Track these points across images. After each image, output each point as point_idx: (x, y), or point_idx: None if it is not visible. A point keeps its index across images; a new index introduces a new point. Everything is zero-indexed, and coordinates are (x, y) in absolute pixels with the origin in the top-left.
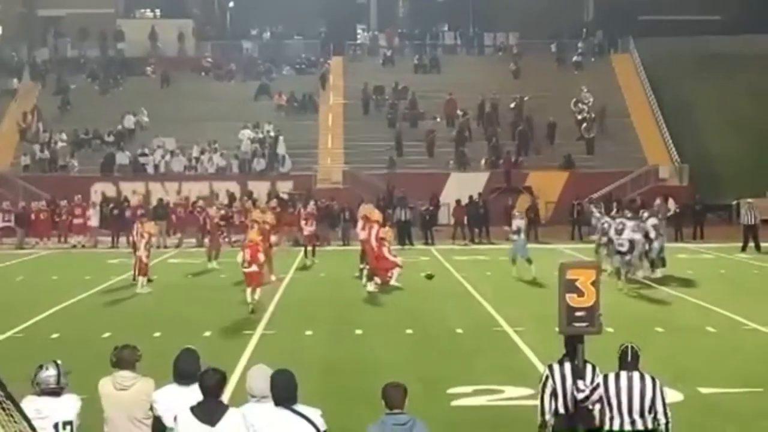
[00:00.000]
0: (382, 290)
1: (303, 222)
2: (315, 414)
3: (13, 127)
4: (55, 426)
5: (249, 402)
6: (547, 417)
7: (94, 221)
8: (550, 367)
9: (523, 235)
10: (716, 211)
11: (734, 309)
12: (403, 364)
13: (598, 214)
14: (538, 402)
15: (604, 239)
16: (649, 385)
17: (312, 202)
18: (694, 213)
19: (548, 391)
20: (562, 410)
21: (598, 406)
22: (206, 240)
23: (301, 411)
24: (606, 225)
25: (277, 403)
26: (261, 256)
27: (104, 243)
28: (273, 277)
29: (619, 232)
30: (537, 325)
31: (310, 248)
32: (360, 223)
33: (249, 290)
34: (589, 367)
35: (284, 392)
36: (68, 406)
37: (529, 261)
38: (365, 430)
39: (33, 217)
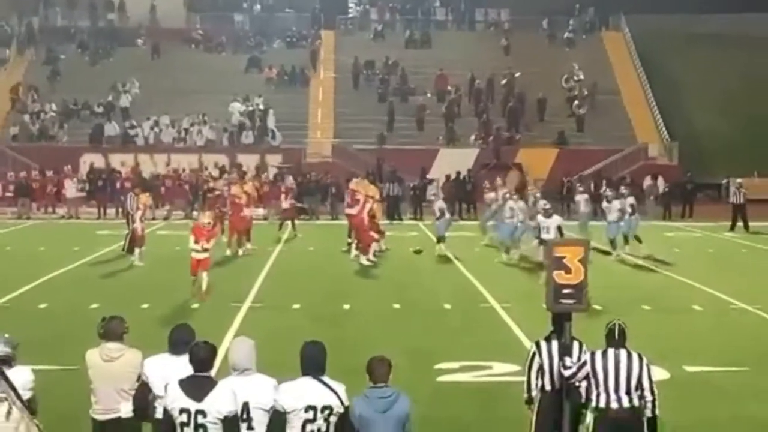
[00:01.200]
0: (371, 265)
1: (282, 196)
2: (340, 388)
3: (2, 96)
4: None
5: (231, 375)
6: (534, 393)
7: (70, 192)
8: (537, 344)
9: (447, 215)
10: (705, 190)
11: (722, 288)
12: (389, 338)
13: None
14: (524, 378)
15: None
16: (636, 362)
17: (290, 177)
18: (683, 192)
19: (535, 367)
20: (548, 387)
21: (584, 384)
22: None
23: (328, 383)
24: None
25: (305, 373)
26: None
27: (90, 214)
28: (242, 249)
29: (548, 216)
30: (524, 301)
31: (288, 222)
32: (348, 198)
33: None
34: (575, 345)
35: (314, 363)
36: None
37: (442, 239)
38: (349, 403)
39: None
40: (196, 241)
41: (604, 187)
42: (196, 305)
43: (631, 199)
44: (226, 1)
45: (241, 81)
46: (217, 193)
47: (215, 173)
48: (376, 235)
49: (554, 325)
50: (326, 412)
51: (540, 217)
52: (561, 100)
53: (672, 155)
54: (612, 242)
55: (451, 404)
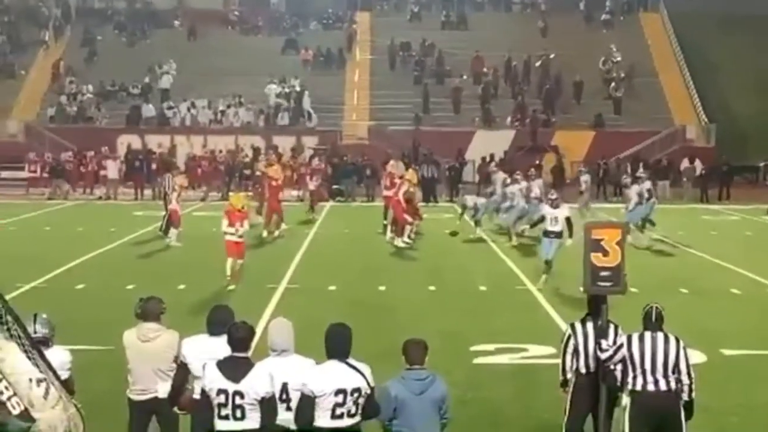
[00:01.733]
0: (406, 247)
1: (308, 177)
2: (367, 370)
3: (40, 78)
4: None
5: (270, 356)
6: (569, 376)
7: (112, 173)
8: (573, 326)
9: (481, 203)
10: (743, 173)
11: (759, 271)
12: (425, 320)
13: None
14: (559, 360)
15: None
16: (673, 345)
17: (317, 158)
18: (720, 174)
19: (570, 349)
20: (583, 369)
21: (620, 366)
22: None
23: (355, 365)
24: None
25: (332, 356)
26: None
27: (126, 195)
28: (278, 231)
29: (556, 206)
30: (560, 284)
31: (315, 203)
32: (386, 180)
33: (231, 260)
34: (611, 327)
35: (341, 345)
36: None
37: (479, 222)
38: (385, 385)
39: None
40: (230, 224)
41: (627, 174)
42: (232, 287)
43: (647, 184)
44: None
45: (277, 63)
46: (258, 173)
47: (250, 155)
48: (410, 218)
49: (590, 308)
50: (355, 394)
51: (546, 208)
52: (598, 82)
53: (709, 137)
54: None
55: (487, 386)
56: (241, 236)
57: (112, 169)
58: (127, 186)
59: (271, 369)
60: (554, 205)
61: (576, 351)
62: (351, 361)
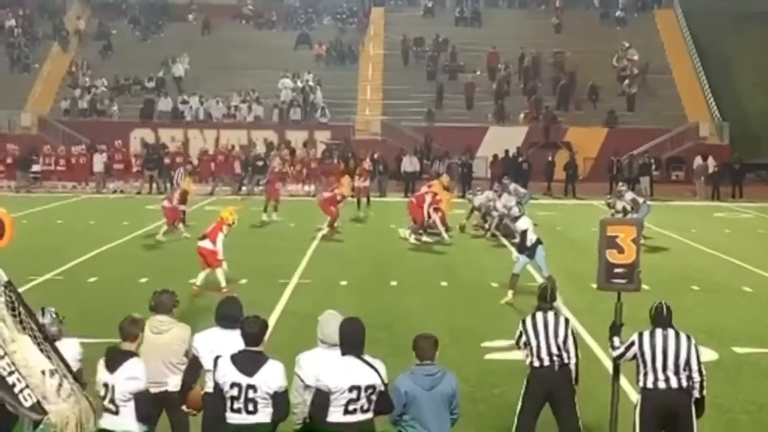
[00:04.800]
0: (418, 243)
1: (357, 176)
2: (381, 366)
3: (54, 71)
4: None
5: (318, 347)
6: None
7: (98, 167)
8: (524, 322)
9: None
10: (756, 170)
11: None
12: (436, 316)
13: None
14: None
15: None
16: (684, 342)
17: (368, 159)
18: (732, 172)
19: (522, 344)
20: (536, 363)
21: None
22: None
23: (370, 361)
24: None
25: (346, 352)
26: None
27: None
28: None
29: (515, 221)
30: (572, 280)
31: (363, 200)
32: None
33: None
34: (562, 320)
35: (356, 341)
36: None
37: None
38: (396, 380)
39: (73, 161)
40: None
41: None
42: (244, 281)
43: (629, 195)
44: None
45: (290, 57)
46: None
47: (262, 149)
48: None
49: (539, 301)
50: (369, 391)
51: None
52: (612, 79)
53: (723, 135)
54: None
55: (498, 383)
56: (203, 238)
57: (98, 163)
58: (144, 179)
59: (309, 358)
60: (515, 220)
61: (528, 346)
62: (366, 357)
